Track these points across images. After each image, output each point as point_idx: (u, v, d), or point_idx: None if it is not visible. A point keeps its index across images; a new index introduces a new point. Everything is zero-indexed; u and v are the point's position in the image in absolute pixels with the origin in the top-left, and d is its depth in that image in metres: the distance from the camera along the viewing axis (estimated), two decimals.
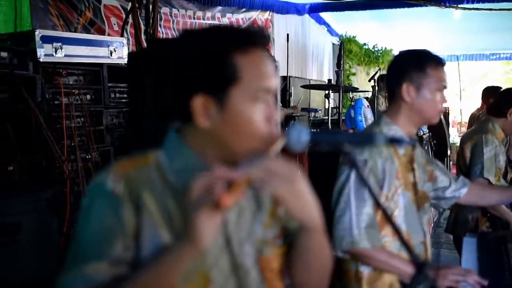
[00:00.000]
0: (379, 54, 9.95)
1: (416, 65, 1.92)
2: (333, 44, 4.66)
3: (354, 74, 9.44)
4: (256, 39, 1.07)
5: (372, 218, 1.81)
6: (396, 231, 1.07)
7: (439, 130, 6.73)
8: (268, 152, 1.03)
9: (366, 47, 9.92)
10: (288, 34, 6.60)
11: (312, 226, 1.05)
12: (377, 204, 1.14)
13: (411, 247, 1.18)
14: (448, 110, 8.03)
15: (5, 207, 1.97)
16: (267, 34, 1.11)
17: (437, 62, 1.93)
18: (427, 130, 5.89)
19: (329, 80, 7.03)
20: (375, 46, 10.05)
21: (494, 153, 2.89)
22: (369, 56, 9.79)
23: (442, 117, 7.16)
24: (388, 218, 1.13)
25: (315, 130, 1.08)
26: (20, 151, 2.76)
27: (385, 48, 10.13)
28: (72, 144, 3.04)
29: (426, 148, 5.69)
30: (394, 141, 1.01)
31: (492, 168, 2.87)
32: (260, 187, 0.94)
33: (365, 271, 1.88)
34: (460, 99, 12.47)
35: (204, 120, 1.05)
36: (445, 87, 1.92)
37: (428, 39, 9.66)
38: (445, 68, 1.95)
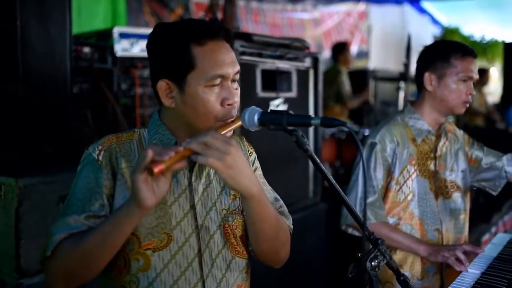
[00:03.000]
0: (486, 46, 9.37)
1: (440, 55, 1.96)
2: (410, 36, 4.51)
3: None
4: (213, 32, 1.23)
5: (377, 199, 1.92)
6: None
7: None
8: (220, 131, 1.19)
9: (472, 39, 9.38)
10: (381, 26, 6.49)
11: (247, 195, 1.17)
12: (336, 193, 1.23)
13: (367, 226, 1.25)
14: None
15: (69, 180, 2.27)
16: (226, 27, 1.26)
17: (464, 52, 1.94)
18: None
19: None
20: (483, 38, 9.48)
21: None
22: (475, 48, 9.22)
23: None
24: (347, 206, 1.21)
25: (265, 111, 1.19)
26: (98, 136, 3.12)
27: (495, 39, 9.50)
28: None
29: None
30: (326, 123, 1.09)
31: None
32: (195, 158, 1.10)
33: None
34: None
35: (168, 100, 1.25)
36: (471, 77, 1.93)
37: None
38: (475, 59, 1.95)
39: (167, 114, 1.30)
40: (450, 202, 2.04)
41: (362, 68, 6.37)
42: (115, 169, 1.24)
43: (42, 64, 2.44)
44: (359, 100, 5.15)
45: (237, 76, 1.26)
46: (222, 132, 1.19)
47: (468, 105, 1.98)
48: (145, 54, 3.41)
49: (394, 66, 7.79)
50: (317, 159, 1.17)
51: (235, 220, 1.31)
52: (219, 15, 4.65)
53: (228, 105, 1.22)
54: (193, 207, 1.28)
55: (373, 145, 1.95)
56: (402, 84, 4.27)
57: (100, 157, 1.24)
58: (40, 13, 2.42)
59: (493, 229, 4.20)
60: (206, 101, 1.21)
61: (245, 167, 1.13)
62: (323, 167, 1.18)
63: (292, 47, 2.44)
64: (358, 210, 1.90)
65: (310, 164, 2.67)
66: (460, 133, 2.17)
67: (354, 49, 7.57)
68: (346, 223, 1.96)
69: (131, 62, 3.33)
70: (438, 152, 2.02)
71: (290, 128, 1.16)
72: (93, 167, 1.24)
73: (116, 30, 3.23)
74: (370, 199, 1.91)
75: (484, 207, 4.24)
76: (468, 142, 2.18)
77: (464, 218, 2.09)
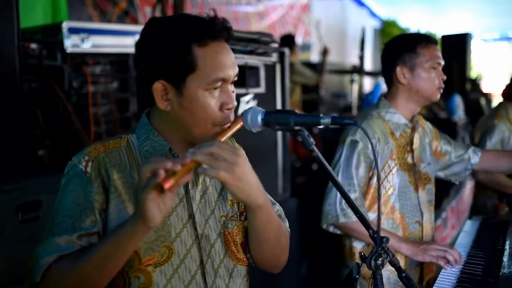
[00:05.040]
0: None
1: (407, 47, 2.00)
2: (364, 29, 4.59)
3: None
4: (216, 32, 1.16)
5: (359, 195, 1.93)
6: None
7: (478, 116, 6.55)
8: (221, 137, 1.13)
9: (409, 31, 9.71)
10: (323, 19, 6.57)
11: (254, 206, 1.12)
12: (342, 193, 1.21)
13: (370, 224, 1.24)
14: (492, 96, 7.78)
15: (27, 187, 2.13)
16: (229, 27, 1.19)
17: (427, 41, 1.99)
18: (465, 115, 5.74)
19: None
20: (419, 31, 9.83)
21: (501, 138, 2.88)
22: None
23: (484, 102, 6.97)
24: (351, 205, 1.20)
25: (268, 111, 1.14)
26: (49, 137, 2.94)
27: (429, 32, 9.88)
28: (99, 131, 3.21)
29: (462, 133, 5.56)
30: (337, 122, 1.06)
31: None
32: (203, 172, 1.03)
33: (358, 246, 1.99)
34: None
35: (163, 103, 1.16)
36: (439, 63, 1.98)
37: (476, 22, 9.34)
38: (438, 45, 2.01)
39: (158, 118, 1.22)
40: (426, 194, 2.09)
41: (318, 61, 6.40)
42: (106, 182, 1.15)
43: None
44: (315, 78, 5.14)
45: (236, 78, 1.20)
46: (223, 138, 1.13)
47: (442, 90, 2.02)
48: (96, 50, 3.28)
49: (336, 58, 7.93)
50: (323, 159, 1.14)
51: (235, 227, 1.26)
52: (168, 9, 4.53)
53: (227, 109, 1.16)
54: (191, 216, 1.21)
55: (354, 143, 1.94)
56: (355, 77, 4.33)
57: (89, 169, 1.15)
58: None
59: (444, 215, 4.35)
60: (206, 105, 1.14)
61: (253, 178, 1.08)
62: (329, 167, 1.15)
63: (261, 42, 2.39)
64: (338, 208, 1.90)
65: (280, 160, 2.64)
66: (428, 126, 2.22)
67: (298, 41, 7.62)
68: (327, 222, 1.94)
69: (82, 58, 3.16)
70: (414, 145, 2.06)
71: (296, 128, 1.11)
72: (81, 180, 1.14)
73: (65, 25, 3.05)
74: (351, 198, 1.88)
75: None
76: (437, 136, 2.23)
77: (432, 208, 2.16)
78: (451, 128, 5.28)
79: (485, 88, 7.63)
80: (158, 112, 1.20)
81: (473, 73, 7.89)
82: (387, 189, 1.98)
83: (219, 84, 1.15)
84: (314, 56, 8.04)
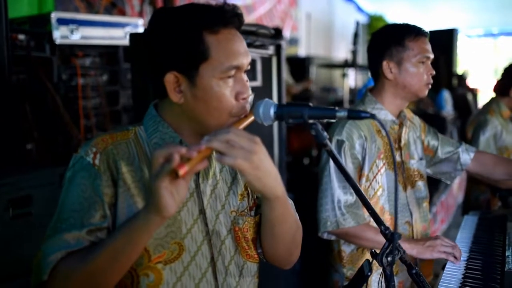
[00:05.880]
0: None
1: (394, 39, 1.86)
2: (358, 23, 4.56)
3: None
4: (227, 19, 1.12)
5: (355, 197, 1.80)
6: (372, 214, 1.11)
7: (466, 111, 6.61)
8: (237, 127, 1.08)
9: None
10: (311, 13, 6.54)
11: (273, 197, 1.08)
12: (353, 188, 1.17)
13: (382, 220, 1.21)
14: (478, 91, 7.87)
15: (19, 182, 2.07)
16: (240, 13, 1.15)
17: (416, 33, 1.86)
18: (453, 110, 5.80)
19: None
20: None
21: (494, 133, 2.87)
22: None
23: (471, 97, 7.04)
24: (364, 202, 1.17)
25: (281, 104, 1.10)
26: (38, 130, 2.87)
27: None
28: (89, 124, 3.14)
29: (450, 128, 5.61)
30: (354, 116, 1.03)
31: (488, 150, 2.85)
32: (219, 159, 0.99)
33: (347, 250, 1.90)
34: None
35: (176, 95, 1.12)
36: (428, 57, 1.86)
37: (461, 18, 9.40)
38: (427, 38, 1.88)
39: (169, 110, 1.17)
40: (416, 191, 2.00)
41: (306, 56, 6.39)
42: (115, 175, 1.10)
43: None
44: (302, 86, 5.14)
45: (249, 67, 1.15)
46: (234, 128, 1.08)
47: (430, 86, 1.91)
48: (86, 42, 3.19)
49: (323, 53, 7.92)
50: (336, 154, 1.11)
51: (246, 223, 1.21)
52: (157, 2, 4.46)
53: (243, 99, 1.12)
54: (202, 211, 1.17)
55: (340, 143, 1.83)
56: (347, 71, 4.31)
57: (97, 161, 1.10)
58: None
59: (434, 209, 4.38)
60: (221, 95, 1.10)
61: (271, 167, 1.04)
62: (343, 162, 1.12)
63: (259, 34, 2.35)
64: (338, 213, 1.78)
65: (276, 156, 2.60)
66: (417, 119, 2.13)
67: (286, 35, 7.58)
68: (326, 230, 1.82)
69: (71, 50, 3.08)
70: (402, 142, 1.96)
71: (310, 121, 1.08)
72: (89, 173, 1.09)
73: (54, 16, 2.97)
74: (349, 201, 1.80)
75: None
76: (424, 129, 2.13)
77: (426, 205, 2.07)
78: (440, 123, 5.33)
79: (470, 83, 7.69)
80: (169, 104, 1.15)
81: (459, 69, 7.95)
82: (376, 190, 1.87)
83: (233, 72, 1.11)
84: (302, 51, 8.01)
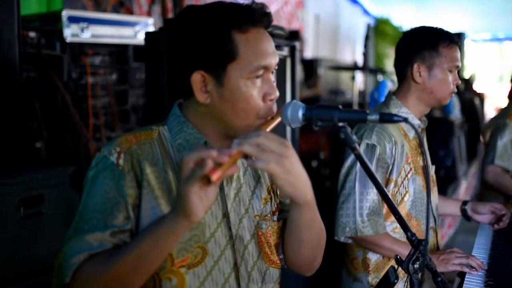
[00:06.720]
0: None
1: (428, 43, 1.84)
2: (369, 26, 4.53)
3: (387, 56, 9.27)
4: (256, 18, 1.10)
5: (377, 205, 1.77)
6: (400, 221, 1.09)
7: (473, 115, 6.57)
8: (265, 128, 1.06)
9: (401, 30, 9.72)
10: (318, 15, 6.52)
11: (303, 202, 1.06)
12: (381, 193, 1.14)
13: (408, 226, 1.18)
14: (484, 96, 7.83)
15: (30, 181, 2.04)
16: (268, 13, 1.12)
17: (451, 40, 1.84)
18: (461, 114, 5.76)
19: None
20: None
21: (511, 138, 2.84)
22: None
23: (478, 102, 7.00)
24: (391, 207, 1.14)
25: (309, 106, 1.08)
26: (47, 129, 2.85)
27: None
28: (98, 123, 3.12)
29: (458, 133, 5.57)
30: (386, 118, 1.00)
31: (505, 155, 2.83)
32: (251, 163, 0.96)
33: (372, 258, 1.87)
34: None
35: (202, 95, 1.09)
36: (457, 67, 1.85)
37: (467, 22, 9.37)
38: (458, 47, 1.86)
39: (194, 110, 1.14)
40: (435, 198, 2.00)
41: (313, 58, 6.36)
42: (139, 176, 1.07)
43: None
44: (311, 91, 5.11)
45: (276, 67, 1.13)
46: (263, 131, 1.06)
47: (453, 95, 1.90)
48: (96, 40, 3.17)
49: (329, 55, 7.88)
50: (364, 158, 1.08)
51: (269, 227, 1.19)
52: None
53: (270, 100, 1.10)
54: (226, 215, 1.14)
55: (371, 148, 1.79)
56: (356, 73, 4.28)
57: (121, 161, 1.07)
58: None
59: None
60: (249, 96, 1.07)
61: (302, 171, 1.02)
62: (371, 166, 1.09)
63: (274, 35, 2.33)
64: (358, 220, 1.75)
65: None
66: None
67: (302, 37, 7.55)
68: (345, 235, 1.79)
69: (81, 48, 3.06)
70: (424, 146, 1.94)
71: (340, 124, 1.05)
72: (113, 173, 1.07)
73: (65, 13, 2.95)
74: (370, 209, 1.77)
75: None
76: None
77: (437, 210, 2.05)
78: (448, 127, 5.29)
79: (476, 88, 7.66)
80: (194, 104, 1.13)
81: (465, 73, 7.92)
82: (403, 195, 1.84)
83: (261, 72, 1.09)
84: (308, 53, 7.99)
